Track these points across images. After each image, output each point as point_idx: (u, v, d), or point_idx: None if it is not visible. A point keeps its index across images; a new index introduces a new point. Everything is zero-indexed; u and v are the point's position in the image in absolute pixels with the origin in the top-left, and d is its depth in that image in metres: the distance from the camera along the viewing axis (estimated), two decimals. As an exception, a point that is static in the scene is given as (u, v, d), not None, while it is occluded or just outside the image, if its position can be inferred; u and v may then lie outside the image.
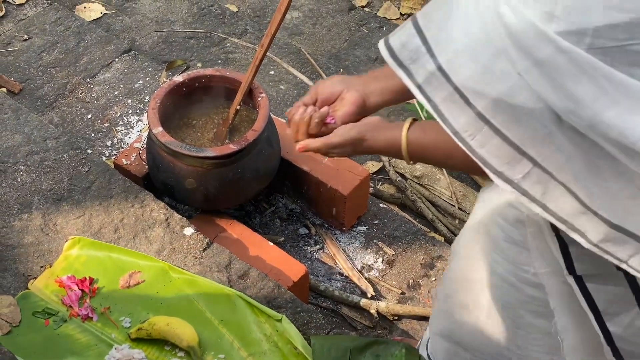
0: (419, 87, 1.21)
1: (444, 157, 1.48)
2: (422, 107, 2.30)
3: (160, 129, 1.96)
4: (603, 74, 1.07)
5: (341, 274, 2.14)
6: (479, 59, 1.14)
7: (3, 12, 2.66)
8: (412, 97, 1.48)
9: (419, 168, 2.40)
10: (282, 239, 2.17)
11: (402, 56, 1.22)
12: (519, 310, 1.51)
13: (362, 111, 1.57)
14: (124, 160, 2.16)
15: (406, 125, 1.43)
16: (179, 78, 2.09)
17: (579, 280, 1.32)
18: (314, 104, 1.60)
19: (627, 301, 1.29)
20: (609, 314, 1.33)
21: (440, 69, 1.18)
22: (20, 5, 2.71)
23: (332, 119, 1.55)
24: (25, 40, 2.61)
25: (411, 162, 1.48)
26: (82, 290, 1.82)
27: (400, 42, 1.23)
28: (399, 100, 1.58)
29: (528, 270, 1.44)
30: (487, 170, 1.22)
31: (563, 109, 1.11)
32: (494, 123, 1.17)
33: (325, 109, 1.55)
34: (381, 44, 1.25)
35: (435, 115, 1.22)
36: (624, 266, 1.17)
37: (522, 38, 1.09)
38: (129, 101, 2.47)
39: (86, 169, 2.07)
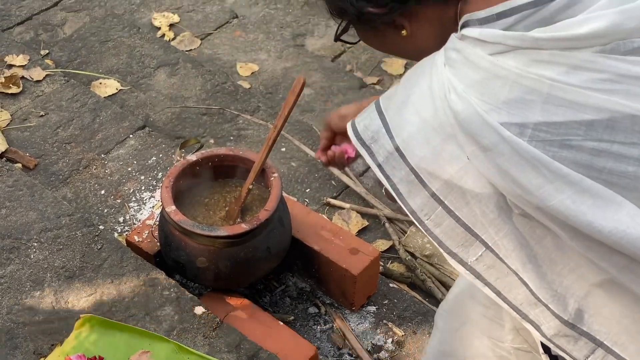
0: (379, 166, 1.26)
1: None
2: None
3: (173, 207, 1.98)
4: (544, 165, 1.11)
5: (350, 355, 2.13)
6: (430, 142, 1.20)
7: (21, 89, 2.72)
8: None
9: (429, 247, 2.41)
10: (292, 317, 2.17)
11: (364, 136, 1.28)
12: None
13: None
14: (136, 237, 2.18)
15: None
16: (192, 157, 2.12)
17: None
18: (334, 135, 1.78)
19: None
20: None
21: (397, 149, 1.24)
22: (38, 81, 2.77)
23: (353, 152, 1.75)
24: (42, 116, 2.66)
25: None
26: (92, 370, 1.82)
27: (364, 124, 1.29)
28: None
29: (503, 346, 1.44)
30: (442, 251, 1.25)
31: (510, 192, 1.15)
32: (447, 204, 1.22)
33: (340, 150, 1.73)
34: (348, 125, 1.30)
35: (393, 194, 1.27)
36: None
37: (468, 125, 1.14)
38: (142, 177, 2.50)
39: (99, 247, 2.09)
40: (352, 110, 1.74)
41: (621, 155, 1.09)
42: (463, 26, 1.24)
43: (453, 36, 1.24)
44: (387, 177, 1.26)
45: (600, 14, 1.11)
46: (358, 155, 1.75)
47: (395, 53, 1.47)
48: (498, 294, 1.24)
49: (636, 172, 1.09)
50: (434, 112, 1.18)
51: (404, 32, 1.33)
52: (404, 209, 1.26)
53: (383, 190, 1.48)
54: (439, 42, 1.31)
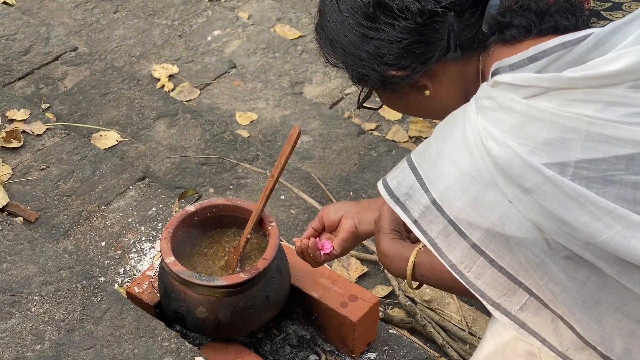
0: (415, 222, 1.26)
1: (445, 287, 1.52)
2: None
3: (172, 258, 2.00)
4: (590, 202, 1.12)
5: (352, 402, 2.13)
6: (469, 191, 1.20)
7: (22, 143, 2.75)
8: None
9: (428, 292, 2.41)
10: (293, 366, 2.17)
11: (398, 193, 1.28)
12: None
13: (355, 237, 1.74)
14: (136, 288, 2.19)
15: (417, 248, 1.47)
16: (191, 208, 2.13)
17: None
18: (323, 228, 1.80)
19: None
20: None
21: (434, 203, 1.24)
22: (39, 135, 2.80)
23: (331, 247, 1.77)
24: (43, 169, 2.68)
25: (413, 283, 1.52)
26: (93, 423, 1.82)
27: (397, 180, 1.29)
28: None
29: None
30: (485, 303, 1.24)
31: (556, 232, 1.15)
32: (488, 253, 1.21)
33: (313, 241, 1.76)
34: (379, 183, 1.31)
35: (431, 249, 1.26)
36: None
37: (509, 168, 1.15)
38: (142, 228, 2.52)
39: (99, 299, 2.10)
40: (350, 207, 1.76)
41: None
42: (493, 74, 1.26)
43: (484, 85, 1.26)
44: (424, 233, 1.25)
45: (630, 51, 1.13)
46: (334, 255, 1.76)
47: (418, 113, 1.49)
48: (543, 341, 1.23)
49: None
50: (472, 161, 1.19)
51: (427, 92, 1.35)
52: (443, 262, 1.25)
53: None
54: (461, 98, 1.33)
